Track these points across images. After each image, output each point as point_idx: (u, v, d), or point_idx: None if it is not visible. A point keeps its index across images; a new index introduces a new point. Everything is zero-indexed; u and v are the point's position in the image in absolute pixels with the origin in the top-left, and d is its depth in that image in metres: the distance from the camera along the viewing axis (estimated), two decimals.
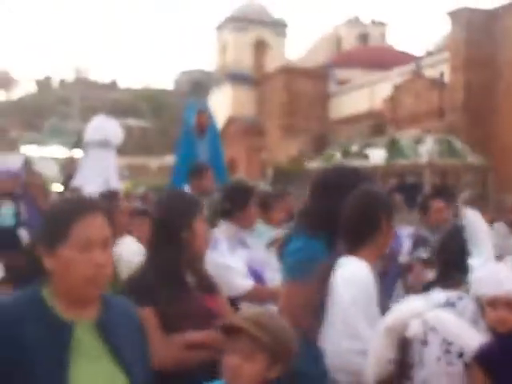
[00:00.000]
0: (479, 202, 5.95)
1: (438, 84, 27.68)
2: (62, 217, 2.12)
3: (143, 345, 2.30)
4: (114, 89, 70.16)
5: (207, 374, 2.82)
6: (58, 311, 2.09)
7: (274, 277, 4.39)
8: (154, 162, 43.02)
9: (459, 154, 17.78)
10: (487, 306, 3.06)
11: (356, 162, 17.89)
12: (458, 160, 17.43)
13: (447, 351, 3.04)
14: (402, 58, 36.93)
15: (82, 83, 64.65)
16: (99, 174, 10.09)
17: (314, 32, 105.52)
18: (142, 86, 71.83)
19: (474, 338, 3.03)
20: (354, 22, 47.74)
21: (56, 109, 55.56)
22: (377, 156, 19.18)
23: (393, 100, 29.55)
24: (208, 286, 3.34)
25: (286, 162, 32.31)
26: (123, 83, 73.98)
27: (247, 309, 2.77)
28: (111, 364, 2.12)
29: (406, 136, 22.90)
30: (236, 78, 41.52)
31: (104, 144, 10.73)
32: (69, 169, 15.35)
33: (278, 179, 24.98)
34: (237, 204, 4.60)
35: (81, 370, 2.04)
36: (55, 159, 25.45)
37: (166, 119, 56.98)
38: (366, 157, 19.67)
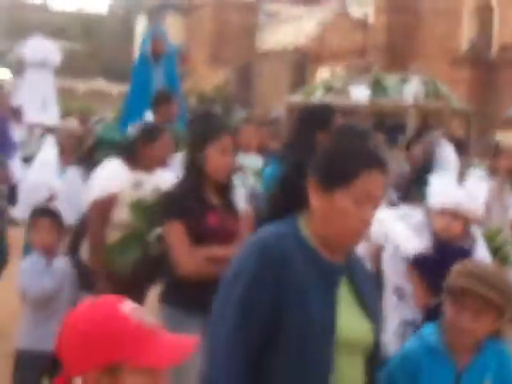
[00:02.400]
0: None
1: (361, 24, 28.55)
2: (351, 163, 2.06)
3: (376, 295, 2.41)
4: (46, 10, 67.91)
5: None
6: (320, 253, 2.09)
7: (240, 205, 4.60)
8: (82, 86, 42.53)
9: (443, 96, 17.24)
10: (436, 215, 3.76)
11: (338, 99, 17.77)
12: (442, 103, 16.86)
13: (395, 254, 3.80)
14: None
15: (12, 3, 62.45)
16: (38, 95, 9.92)
17: None
18: (75, 9, 69.78)
19: (413, 244, 3.69)
20: None
21: None
22: (360, 94, 18.53)
23: (318, 37, 30.34)
24: (230, 206, 3.66)
25: (211, 90, 32.70)
26: (55, 5, 71.78)
27: (469, 264, 2.68)
28: (360, 309, 2.13)
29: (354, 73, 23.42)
30: (166, 7, 41.32)
31: (42, 65, 10.50)
32: None
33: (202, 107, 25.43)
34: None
35: (341, 312, 2.05)
36: None
37: (96, 43, 55.91)
38: (348, 94, 19.15)
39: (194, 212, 3.48)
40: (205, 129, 3.75)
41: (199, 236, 3.46)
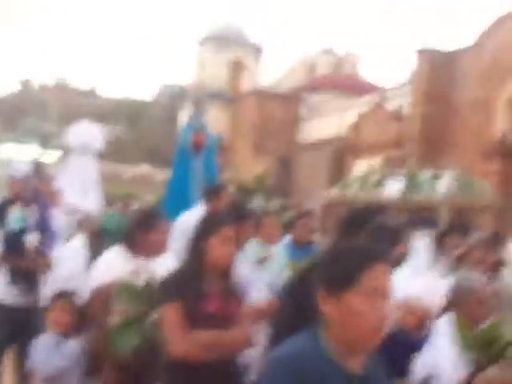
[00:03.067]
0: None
1: (397, 116, 28.91)
2: (352, 263, 2.06)
3: None
4: (94, 96, 70.34)
5: (212, 369, 3.40)
6: (337, 361, 2.06)
7: (260, 294, 4.74)
8: (127, 171, 43.60)
9: (476, 192, 17.25)
10: (394, 307, 3.83)
11: (372, 194, 18.24)
12: (475, 198, 16.84)
13: None
14: (372, 88, 38.23)
15: (62, 89, 65.03)
16: (79, 181, 10.00)
17: (290, 58, 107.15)
18: (122, 95, 72.17)
19: None
20: (329, 51, 49.04)
21: (34, 111, 55.91)
22: (393, 189, 18.86)
23: (356, 128, 30.78)
24: (231, 292, 3.73)
25: (252, 180, 33.21)
26: (103, 92, 74.26)
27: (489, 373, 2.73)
28: None
29: (369, 165, 23.68)
30: (211, 95, 42.52)
31: (85, 150, 10.61)
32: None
33: (241, 196, 25.82)
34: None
35: None
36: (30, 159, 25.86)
37: (142, 130, 57.61)
38: (383, 189, 19.39)
39: (192, 296, 3.55)
40: (207, 222, 3.90)
41: (196, 321, 3.51)
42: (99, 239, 6.10)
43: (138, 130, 57.79)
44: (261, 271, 5.16)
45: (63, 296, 4.72)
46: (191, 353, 3.43)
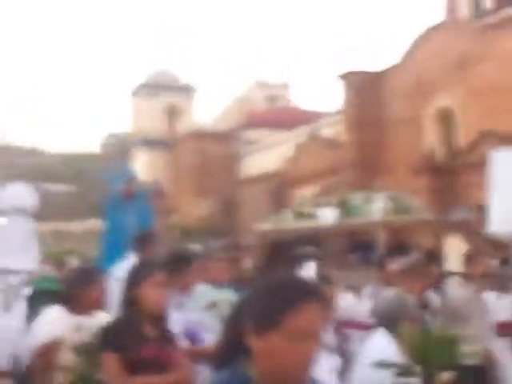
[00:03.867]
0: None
1: (333, 144, 29.06)
2: (275, 303, 1.95)
3: None
4: (37, 154, 69.72)
5: None
6: None
7: (211, 337, 4.66)
8: (76, 227, 43.10)
9: (412, 210, 17.35)
10: None
11: (307, 223, 18.21)
12: (411, 216, 16.91)
13: None
14: (307, 118, 38.49)
15: (4, 149, 64.36)
16: (11, 242, 10.29)
17: (226, 95, 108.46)
18: (66, 150, 71.36)
19: None
20: (262, 83, 49.50)
21: None
22: (328, 216, 18.71)
23: (293, 160, 30.88)
24: (166, 337, 3.83)
25: (195, 223, 33.09)
26: (46, 148, 73.51)
27: None
28: None
29: (307, 195, 23.75)
30: (149, 143, 42.52)
31: (19, 211, 10.92)
32: None
33: (185, 240, 25.60)
34: (175, 270, 5.00)
35: None
36: None
37: (87, 183, 57.14)
38: (317, 217, 19.20)
39: (129, 345, 3.63)
40: (138, 269, 3.99)
41: (135, 367, 3.60)
42: (34, 300, 6.11)
43: (85, 184, 57.34)
44: (210, 315, 5.14)
45: None
46: None
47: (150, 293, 3.82)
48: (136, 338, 3.69)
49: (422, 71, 24.61)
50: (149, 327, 3.79)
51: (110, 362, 3.65)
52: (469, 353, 3.87)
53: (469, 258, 7.39)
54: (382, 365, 3.61)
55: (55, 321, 4.42)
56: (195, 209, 36.31)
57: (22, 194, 10.90)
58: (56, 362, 4.23)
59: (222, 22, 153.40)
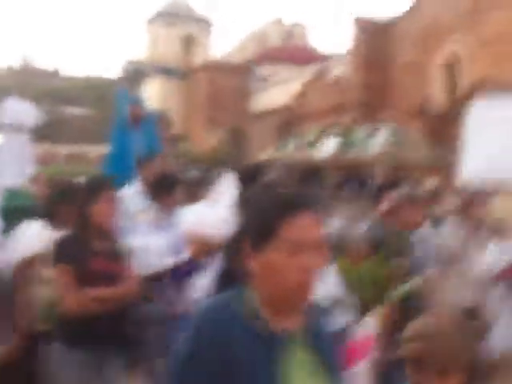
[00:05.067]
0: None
1: (340, 83, 29.95)
2: (269, 215, 1.88)
3: (337, 359, 2.14)
4: (57, 77, 69.33)
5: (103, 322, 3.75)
6: (265, 320, 1.90)
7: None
8: (93, 151, 43.59)
9: (413, 146, 17.12)
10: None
11: (308, 153, 18.35)
12: (411, 152, 16.57)
13: None
14: (319, 57, 39.25)
15: (27, 71, 64.39)
16: (14, 162, 9.34)
17: (242, 30, 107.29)
18: (85, 74, 70.82)
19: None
20: (278, 22, 49.79)
21: None
22: (329, 147, 18.48)
23: (300, 97, 31.84)
24: (114, 252, 4.04)
25: (206, 152, 34.04)
26: (67, 72, 73.04)
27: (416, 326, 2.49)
28: (323, 378, 1.97)
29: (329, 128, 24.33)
30: (164, 71, 43.02)
31: (17, 128, 9.76)
32: None
33: (193, 168, 26.57)
34: (163, 191, 5.27)
35: (293, 380, 1.90)
36: None
37: (108, 108, 56.87)
38: (318, 148, 19.08)
39: (80, 258, 3.85)
40: (89, 188, 4.26)
41: (85, 279, 3.81)
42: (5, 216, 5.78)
43: (104, 109, 57.16)
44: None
45: None
46: (83, 307, 3.78)
47: (101, 208, 4.02)
48: (86, 252, 3.90)
49: (432, 19, 24.94)
50: (98, 242, 4.00)
51: (62, 273, 3.82)
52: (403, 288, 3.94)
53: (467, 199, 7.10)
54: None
55: (36, 236, 4.50)
56: (206, 138, 37.30)
57: (21, 111, 9.92)
58: (39, 276, 4.29)
59: None
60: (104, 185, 4.21)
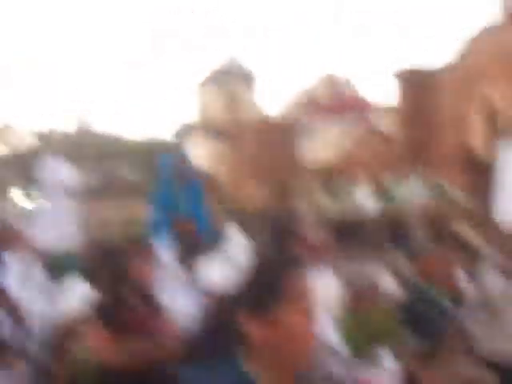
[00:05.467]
0: None
1: (387, 139, 29.76)
2: (274, 274, 1.88)
3: None
4: (112, 140, 70.52)
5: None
6: None
7: None
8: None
9: (452, 199, 17.25)
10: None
11: (348, 208, 18.37)
12: (449, 205, 16.68)
13: None
14: (369, 109, 39.17)
15: (82, 135, 65.89)
16: (54, 221, 9.66)
17: (291, 86, 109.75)
18: (140, 137, 71.69)
19: None
20: (325, 77, 50.03)
21: None
22: (367, 203, 18.61)
23: (347, 152, 31.79)
24: (153, 308, 4.17)
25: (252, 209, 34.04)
26: (122, 135, 74.25)
27: None
28: None
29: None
30: (213, 133, 43.58)
31: (58, 188, 10.16)
32: None
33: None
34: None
35: None
36: None
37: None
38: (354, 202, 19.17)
39: (117, 313, 4.01)
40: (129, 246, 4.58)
41: (122, 334, 3.92)
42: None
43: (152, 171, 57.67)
44: None
45: None
46: (120, 360, 3.83)
47: (139, 266, 4.18)
48: (124, 308, 4.00)
49: (472, 68, 24.84)
50: (136, 299, 4.09)
51: (100, 330, 3.92)
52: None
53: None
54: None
55: (80, 296, 4.56)
56: (253, 196, 37.32)
57: (61, 170, 10.23)
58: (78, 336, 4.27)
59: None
60: (143, 245, 4.41)
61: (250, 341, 1.79)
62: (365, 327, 3.81)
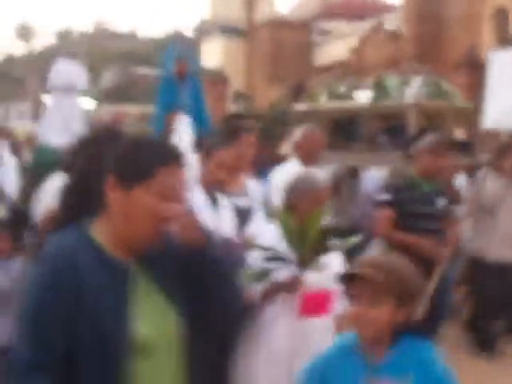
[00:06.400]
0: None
1: (394, 37, 30.42)
2: (151, 158, 1.98)
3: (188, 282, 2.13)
4: (133, 39, 68.75)
5: None
6: (111, 250, 1.99)
7: None
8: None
9: (447, 95, 16.18)
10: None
11: (341, 103, 17.32)
12: (444, 102, 15.69)
13: None
14: (379, 9, 39.49)
15: (101, 34, 65.50)
16: (61, 122, 9.73)
17: None
18: (159, 35, 70.42)
19: None
20: None
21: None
22: (362, 97, 17.34)
23: (357, 51, 32.51)
24: None
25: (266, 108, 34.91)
26: (143, 33, 72.40)
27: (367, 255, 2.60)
28: (162, 301, 2.06)
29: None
30: (226, 30, 43.68)
31: (67, 89, 10.17)
32: None
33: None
34: None
35: (137, 308, 1.96)
36: None
37: None
38: (352, 98, 17.85)
39: None
40: None
41: None
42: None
43: None
44: None
45: None
46: None
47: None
48: None
49: None
50: None
51: None
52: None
53: (500, 150, 7.24)
54: (260, 247, 3.70)
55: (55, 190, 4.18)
56: (266, 95, 38.10)
57: (72, 72, 10.27)
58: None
59: None
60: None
61: (108, 206, 2.01)
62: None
